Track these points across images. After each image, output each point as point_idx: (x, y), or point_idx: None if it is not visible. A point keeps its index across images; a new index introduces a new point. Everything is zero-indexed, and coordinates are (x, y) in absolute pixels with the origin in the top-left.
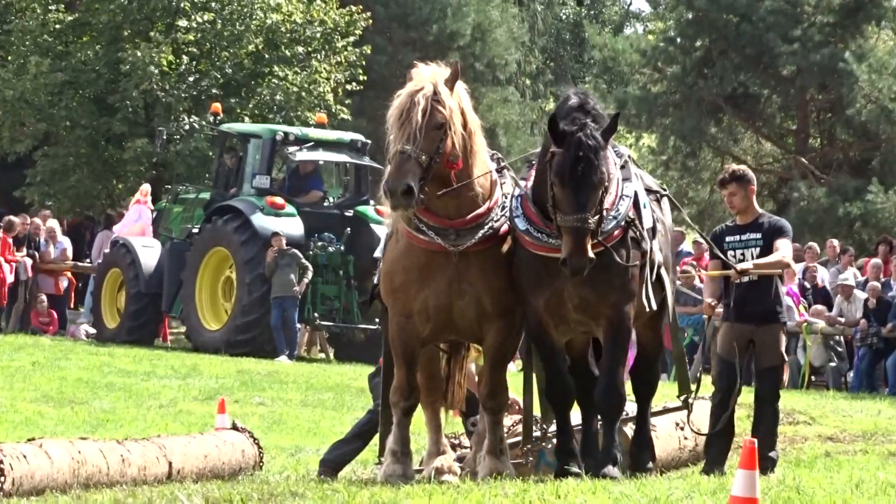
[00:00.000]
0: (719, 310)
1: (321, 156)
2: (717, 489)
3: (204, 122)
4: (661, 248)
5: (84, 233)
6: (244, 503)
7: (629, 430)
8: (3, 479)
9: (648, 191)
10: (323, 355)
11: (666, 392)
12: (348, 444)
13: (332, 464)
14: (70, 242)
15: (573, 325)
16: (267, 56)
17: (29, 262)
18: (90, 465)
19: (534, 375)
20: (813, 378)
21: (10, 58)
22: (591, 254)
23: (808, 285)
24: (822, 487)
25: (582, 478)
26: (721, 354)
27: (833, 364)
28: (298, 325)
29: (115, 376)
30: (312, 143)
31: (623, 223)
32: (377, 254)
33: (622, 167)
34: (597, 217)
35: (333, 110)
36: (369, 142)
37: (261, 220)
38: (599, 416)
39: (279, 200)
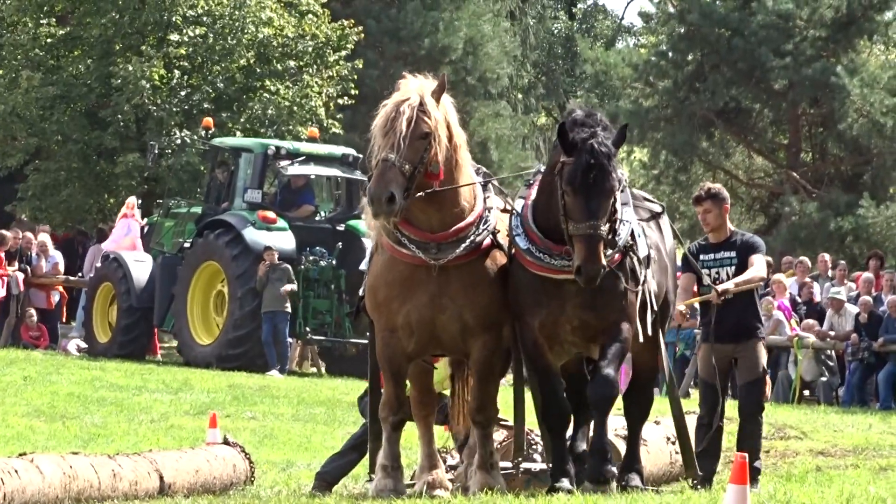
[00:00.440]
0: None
1: (313, 170)
2: None
3: (195, 137)
4: (655, 274)
5: (77, 247)
6: None
7: (622, 445)
8: None
9: (647, 216)
10: (314, 370)
11: (657, 407)
12: (344, 456)
13: (328, 476)
14: (62, 257)
15: (567, 346)
16: (258, 70)
17: (21, 276)
18: (82, 480)
19: (526, 389)
20: (805, 392)
21: (1, 72)
22: (604, 261)
23: (799, 300)
24: (813, 502)
25: (573, 493)
26: (703, 377)
27: (824, 378)
28: (290, 340)
29: (107, 391)
30: (304, 158)
31: (623, 248)
32: (362, 266)
33: (621, 191)
34: (608, 225)
35: (325, 124)
36: (361, 156)
37: (252, 235)
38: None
39: (271, 215)
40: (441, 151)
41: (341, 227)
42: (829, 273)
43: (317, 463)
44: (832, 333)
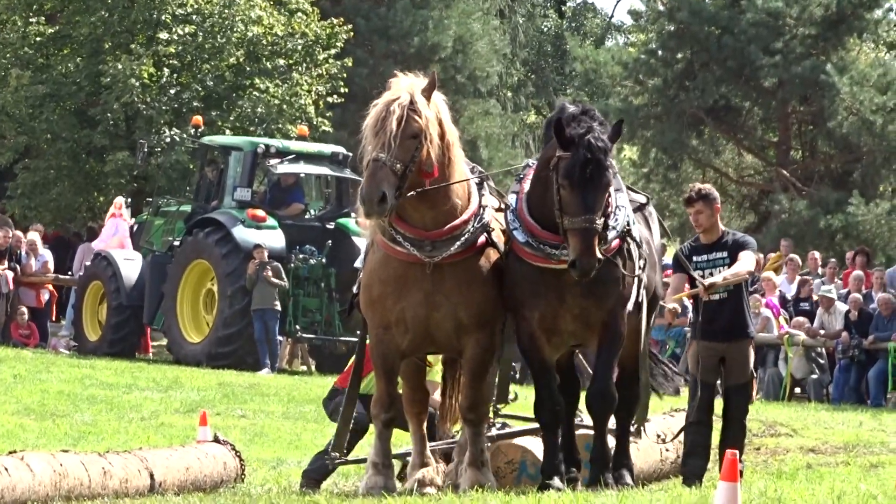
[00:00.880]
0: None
1: (302, 168)
2: (699, 501)
3: (185, 135)
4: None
5: (68, 246)
6: None
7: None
8: None
9: (635, 208)
10: (304, 368)
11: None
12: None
13: (315, 474)
14: (52, 255)
15: (566, 336)
16: (248, 68)
17: (10, 274)
18: (72, 478)
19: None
20: (796, 390)
21: None
22: (599, 255)
23: (789, 298)
24: (804, 499)
25: (564, 491)
26: (693, 374)
27: (814, 376)
28: (280, 338)
29: (97, 389)
30: (293, 156)
31: (621, 233)
32: (357, 264)
33: (613, 176)
34: (603, 219)
35: (315, 123)
36: (350, 154)
37: (242, 233)
38: (591, 418)
39: (260, 213)
40: (433, 150)
41: (331, 226)
42: (820, 271)
43: (307, 461)
44: (822, 331)
